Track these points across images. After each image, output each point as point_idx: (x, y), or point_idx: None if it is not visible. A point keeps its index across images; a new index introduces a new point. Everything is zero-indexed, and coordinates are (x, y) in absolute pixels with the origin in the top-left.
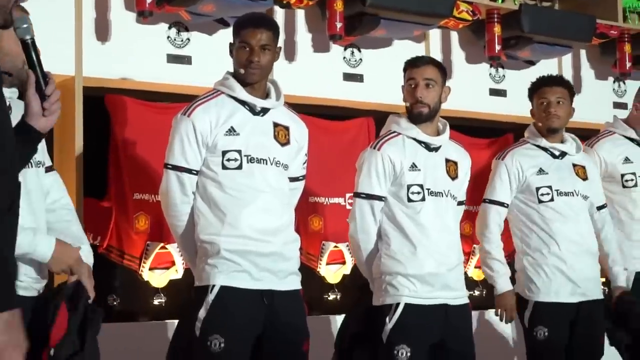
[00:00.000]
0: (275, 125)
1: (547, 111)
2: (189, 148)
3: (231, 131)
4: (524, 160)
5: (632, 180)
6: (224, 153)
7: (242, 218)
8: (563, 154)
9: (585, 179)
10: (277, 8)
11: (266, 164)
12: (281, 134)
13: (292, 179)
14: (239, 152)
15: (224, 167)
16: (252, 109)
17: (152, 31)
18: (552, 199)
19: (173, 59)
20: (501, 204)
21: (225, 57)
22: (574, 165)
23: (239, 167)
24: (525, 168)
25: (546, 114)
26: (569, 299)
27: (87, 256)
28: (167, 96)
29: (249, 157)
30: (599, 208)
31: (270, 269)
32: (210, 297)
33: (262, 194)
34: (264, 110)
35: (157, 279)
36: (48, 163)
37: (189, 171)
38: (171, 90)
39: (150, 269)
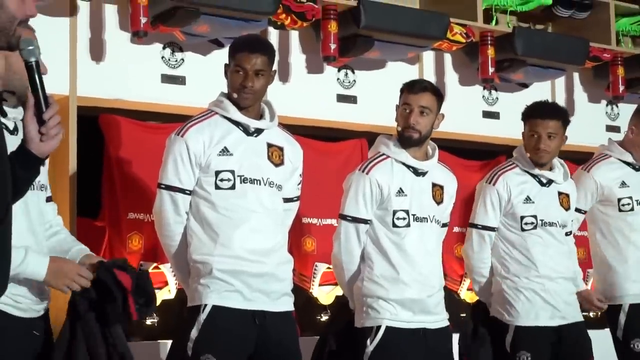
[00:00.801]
0: (269, 145)
1: (537, 146)
2: (182, 168)
3: (224, 151)
4: (513, 185)
5: (628, 204)
6: (217, 173)
7: (234, 238)
8: (550, 182)
9: (567, 208)
10: (271, 29)
11: (259, 184)
12: (275, 155)
13: (286, 200)
14: (232, 172)
15: (217, 187)
16: (246, 130)
17: (147, 51)
18: (535, 227)
19: (167, 79)
20: (492, 229)
21: (220, 78)
22: (560, 194)
23: (232, 187)
24: (514, 194)
25: (535, 149)
26: (548, 322)
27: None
28: (161, 116)
29: (242, 178)
30: (567, 234)
31: (262, 290)
32: (202, 316)
33: (254, 214)
34: (258, 131)
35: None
36: (49, 192)
37: (183, 191)
38: (165, 110)
39: None
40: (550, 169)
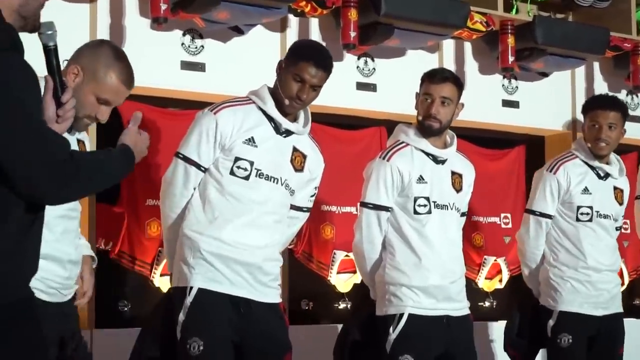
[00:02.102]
0: (295, 150)
1: (598, 136)
2: (205, 144)
3: (250, 141)
4: (574, 175)
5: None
6: (236, 159)
7: (229, 226)
8: (607, 175)
9: (621, 203)
10: (291, 17)
11: (276, 182)
12: (298, 160)
13: (296, 208)
14: (252, 163)
15: (232, 173)
16: (277, 127)
17: (167, 38)
18: (590, 220)
19: (187, 65)
20: (549, 217)
21: (239, 65)
22: (615, 188)
23: (246, 178)
24: (573, 184)
25: (596, 139)
26: (591, 311)
27: (87, 249)
28: (180, 103)
29: (259, 172)
30: (617, 229)
31: (247, 279)
32: (189, 300)
33: (259, 208)
34: (288, 132)
35: (168, 285)
36: None
37: (198, 166)
38: (185, 97)
39: (162, 275)
40: (607, 163)
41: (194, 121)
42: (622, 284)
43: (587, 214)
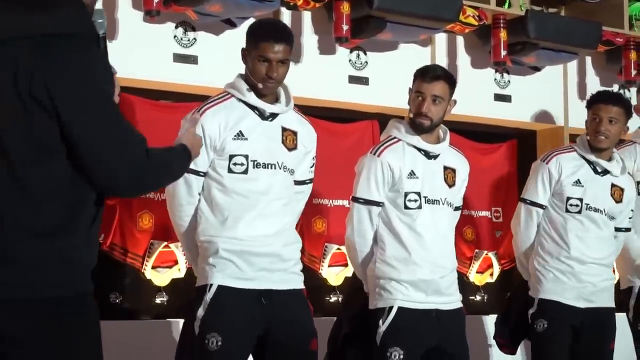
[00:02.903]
0: (284, 130)
1: (597, 129)
2: None
3: (239, 135)
4: (566, 167)
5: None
6: (231, 157)
7: (241, 223)
8: (605, 172)
9: (619, 201)
10: (283, 9)
11: (274, 168)
12: (289, 139)
13: (299, 182)
14: (246, 157)
15: (230, 171)
16: (262, 114)
17: (159, 30)
18: (579, 212)
19: (179, 58)
20: (540, 206)
21: (232, 58)
22: (613, 185)
23: (245, 172)
24: (564, 175)
25: (595, 132)
26: (572, 302)
27: None
28: (173, 95)
29: (255, 162)
30: (617, 229)
31: (268, 269)
32: (208, 296)
33: (264, 198)
34: (273, 116)
35: (160, 277)
36: None
37: (197, 173)
38: (177, 90)
39: (153, 267)
40: (609, 160)
41: (180, 129)
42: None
43: (577, 205)
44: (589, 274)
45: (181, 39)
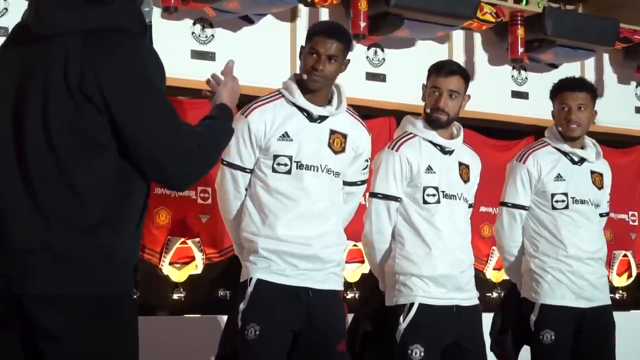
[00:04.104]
0: (332, 132)
1: (568, 118)
2: (243, 148)
3: (285, 136)
4: (544, 163)
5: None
6: (275, 157)
7: (280, 222)
8: (582, 160)
9: (600, 187)
10: (301, 6)
11: (317, 170)
12: (336, 142)
13: (349, 184)
14: (290, 158)
15: (274, 171)
16: (310, 116)
17: (177, 27)
18: (566, 207)
19: (197, 55)
20: (523, 208)
21: (249, 54)
22: (592, 172)
23: (288, 172)
24: (544, 172)
25: (567, 121)
26: (573, 303)
27: None
28: (190, 92)
29: (299, 164)
30: (602, 215)
31: (308, 269)
32: (249, 289)
33: (307, 200)
34: (322, 118)
35: (177, 273)
36: None
37: (243, 169)
38: (195, 86)
39: (171, 263)
40: (582, 148)
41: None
42: (630, 276)
43: (563, 201)
44: (587, 271)
45: (199, 35)
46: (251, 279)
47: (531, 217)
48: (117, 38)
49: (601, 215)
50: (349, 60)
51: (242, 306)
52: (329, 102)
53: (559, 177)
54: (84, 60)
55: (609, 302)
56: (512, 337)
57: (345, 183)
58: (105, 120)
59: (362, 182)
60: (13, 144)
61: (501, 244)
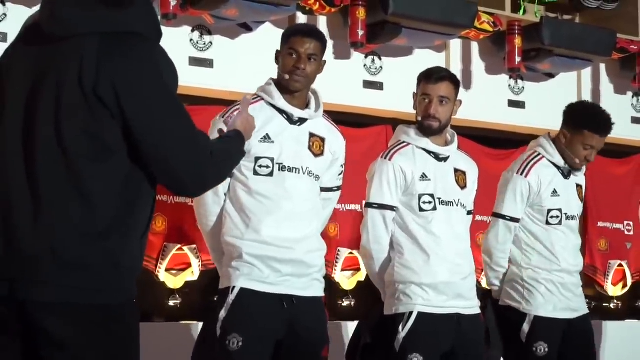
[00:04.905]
0: (312, 135)
1: (585, 150)
2: None
3: (266, 138)
4: (544, 178)
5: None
6: (257, 159)
7: (265, 225)
8: (570, 173)
9: (582, 200)
10: (299, 14)
11: (298, 172)
12: (316, 145)
13: (326, 189)
14: (272, 160)
15: (255, 173)
16: (290, 118)
17: (175, 34)
18: (560, 222)
19: (195, 62)
20: (518, 221)
21: (247, 61)
22: (577, 186)
23: (270, 175)
24: (543, 188)
25: (582, 154)
26: (563, 314)
27: None
28: (188, 99)
29: (281, 166)
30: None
31: (291, 274)
32: (231, 297)
33: (289, 202)
34: (302, 120)
35: (173, 280)
36: None
37: None
38: (193, 93)
39: (167, 270)
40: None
41: (210, 129)
42: (625, 285)
43: (557, 217)
44: (573, 283)
45: (197, 42)
46: (234, 287)
47: (523, 229)
48: (134, 42)
49: None
50: (325, 62)
51: (222, 314)
52: (307, 106)
53: (554, 193)
54: (99, 63)
55: (587, 311)
56: (504, 344)
57: (322, 189)
58: (118, 125)
59: (338, 188)
60: (23, 146)
61: (491, 255)
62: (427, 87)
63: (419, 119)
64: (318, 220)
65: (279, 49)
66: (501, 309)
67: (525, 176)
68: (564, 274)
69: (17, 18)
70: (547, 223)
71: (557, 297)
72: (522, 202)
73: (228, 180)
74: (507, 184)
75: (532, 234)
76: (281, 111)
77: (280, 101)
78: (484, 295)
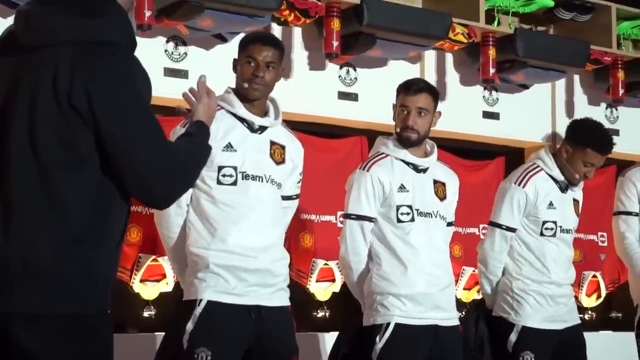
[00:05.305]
0: (272, 143)
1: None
2: None
3: (228, 147)
4: (541, 190)
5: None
6: (220, 168)
7: (231, 234)
8: (567, 188)
9: (578, 214)
10: (274, 25)
11: (261, 181)
12: (277, 153)
13: (285, 198)
14: (235, 168)
15: (219, 182)
16: (251, 127)
17: (150, 44)
18: (554, 235)
19: (170, 72)
20: (514, 230)
21: (222, 72)
22: (574, 200)
23: (234, 184)
24: (540, 199)
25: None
26: (552, 325)
27: None
28: (163, 109)
29: (244, 174)
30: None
31: (257, 284)
32: (198, 310)
33: (253, 211)
34: (262, 128)
35: (148, 291)
36: None
37: None
38: (168, 104)
39: (141, 281)
40: (576, 185)
41: (170, 138)
42: (599, 296)
43: (552, 229)
44: (564, 295)
45: (172, 53)
46: (201, 300)
47: (517, 238)
48: (108, 51)
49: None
50: (283, 69)
51: (189, 327)
52: (266, 114)
53: (550, 205)
54: (73, 71)
55: (579, 321)
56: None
57: (282, 197)
58: (91, 132)
59: (297, 196)
60: None
61: (487, 264)
62: (405, 99)
63: (398, 130)
64: (281, 228)
65: (236, 57)
66: (493, 319)
67: (523, 187)
68: (553, 286)
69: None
70: (541, 234)
71: (545, 308)
72: (518, 212)
73: (190, 190)
74: (505, 194)
75: (526, 244)
76: (242, 119)
77: (241, 109)
78: (476, 306)
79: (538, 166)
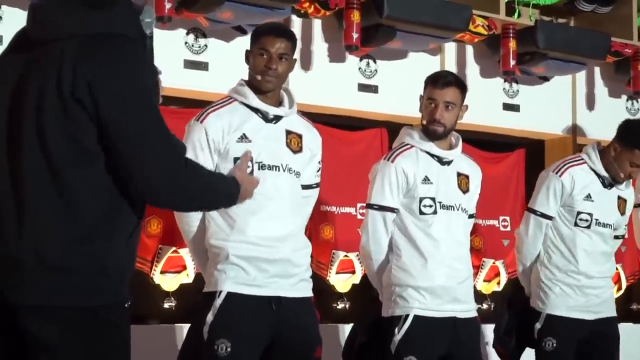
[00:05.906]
0: (288, 132)
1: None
2: (201, 154)
3: (243, 138)
4: (578, 181)
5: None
6: (235, 160)
7: (250, 225)
8: (612, 185)
9: (623, 213)
10: (294, 17)
11: (278, 170)
12: (294, 142)
13: (305, 187)
14: (251, 159)
15: None
16: (265, 117)
17: (170, 37)
18: (588, 227)
19: (190, 64)
20: (550, 218)
21: (242, 64)
22: (619, 198)
23: (250, 174)
24: (577, 190)
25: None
26: (579, 315)
27: None
28: (183, 101)
29: (260, 164)
30: (615, 237)
31: (278, 275)
32: (218, 302)
33: (272, 201)
34: (277, 118)
35: (168, 282)
36: None
37: None
38: (187, 96)
39: (162, 272)
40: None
41: (185, 134)
42: (620, 288)
43: (586, 220)
44: (594, 287)
45: (192, 45)
46: (221, 292)
47: (552, 227)
48: (113, 43)
49: (616, 237)
50: (295, 60)
51: (209, 318)
52: (280, 104)
53: (588, 197)
54: (76, 66)
55: (614, 314)
56: (516, 340)
57: (302, 186)
58: (95, 127)
59: (317, 185)
60: (7, 151)
61: (521, 248)
62: (433, 92)
63: (424, 122)
64: (301, 218)
65: (249, 48)
66: (528, 309)
67: (560, 175)
68: (581, 277)
69: (12, 21)
70: (575, 224)
71: (572, 298)
72: (554, 200)
73: None
74: (543, 181)
75: (559, 234)
76: (256, 110)
77: (255, 100)
78: (511, 294)
79: (581, 159)
